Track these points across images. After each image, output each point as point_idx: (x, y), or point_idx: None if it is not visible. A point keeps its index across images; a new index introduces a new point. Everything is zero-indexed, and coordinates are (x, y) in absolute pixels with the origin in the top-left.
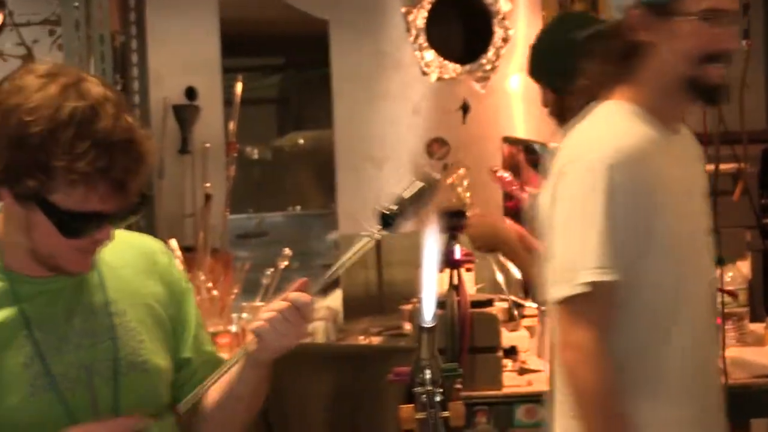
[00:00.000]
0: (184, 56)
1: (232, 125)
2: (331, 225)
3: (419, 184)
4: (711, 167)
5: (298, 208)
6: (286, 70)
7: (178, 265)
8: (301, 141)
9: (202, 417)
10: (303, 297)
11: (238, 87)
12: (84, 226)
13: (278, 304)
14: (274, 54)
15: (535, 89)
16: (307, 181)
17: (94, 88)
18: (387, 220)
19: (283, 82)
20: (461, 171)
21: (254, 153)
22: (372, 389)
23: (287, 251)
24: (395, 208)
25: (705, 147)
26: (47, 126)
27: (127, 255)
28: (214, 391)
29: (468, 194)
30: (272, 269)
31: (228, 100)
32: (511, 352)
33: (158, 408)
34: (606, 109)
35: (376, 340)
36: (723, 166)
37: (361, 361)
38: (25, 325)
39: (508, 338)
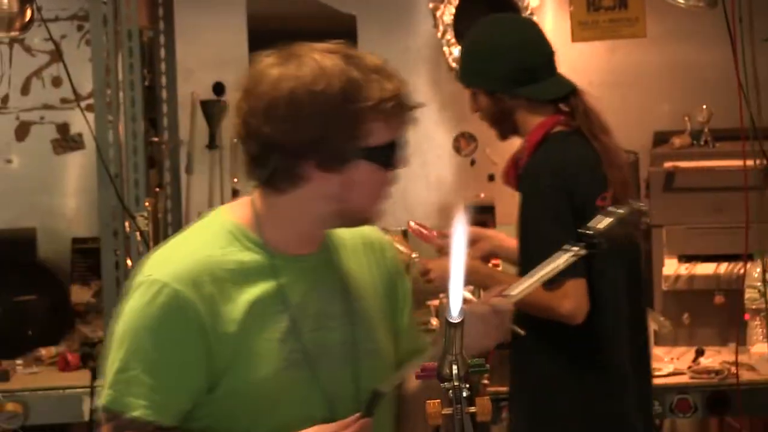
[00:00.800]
0: (212, 52)
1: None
2: None
3: (623, 210)
4: (739, 162)
5: None
6: None
7: (399, 258)
8: None
9: (401, 404)
10: (503, 302)
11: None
12: (400, 153)
13: (480, 307)
14: None
15: None
16: None
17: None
18: (590, 240)
19: None
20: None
21: None
22: (399, 385)
23: None
24: (599, 228)
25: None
26: (343, 79)
27: (362, 243)
28: (411, 382)
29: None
30: None
31: None
32: None
33: None
34: None
35: None
36: (750, 162)
37: None
38: (282, 301)
39: None
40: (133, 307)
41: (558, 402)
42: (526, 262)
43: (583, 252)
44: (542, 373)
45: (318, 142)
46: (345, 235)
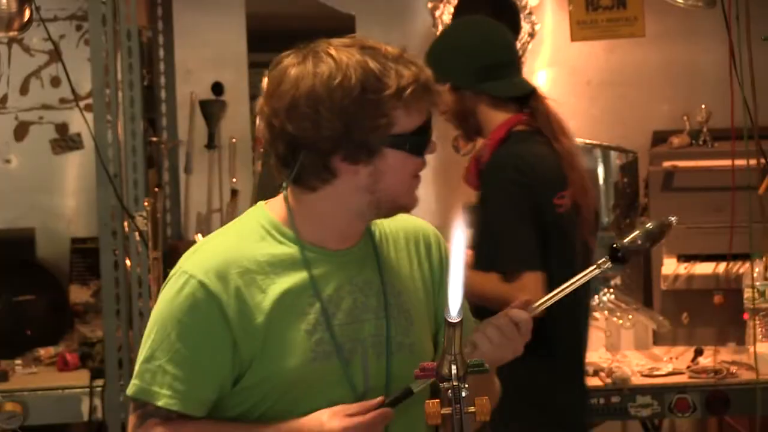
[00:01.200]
0: (211, 51)
1: (258, 120)
2: None
3: (650, 226)
4: (738, 162)
5: None
6: None
7: (448, 252)
8: None
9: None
10: (522, 314)
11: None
12: (427, 139)
13: (499, 319)
14: None
15: (562, 84)
16: None
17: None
18: (616, 254)
19: None
20: None
21: None
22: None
23: None
24: (626, 243)
25: (733, 142)
26: (359, 70)
27: (404, 238)
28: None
29: None
30: None
31: (255, 95)
32: None
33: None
34: None
35: None
36: (751, 161)
37: None
38: (313, 293)
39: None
40: (162, 298)
41: (525, 397)
42: (481, 255)
43: (607, 265)
44: (513, 371)
45: (342, 136)
46: (387, 229)
